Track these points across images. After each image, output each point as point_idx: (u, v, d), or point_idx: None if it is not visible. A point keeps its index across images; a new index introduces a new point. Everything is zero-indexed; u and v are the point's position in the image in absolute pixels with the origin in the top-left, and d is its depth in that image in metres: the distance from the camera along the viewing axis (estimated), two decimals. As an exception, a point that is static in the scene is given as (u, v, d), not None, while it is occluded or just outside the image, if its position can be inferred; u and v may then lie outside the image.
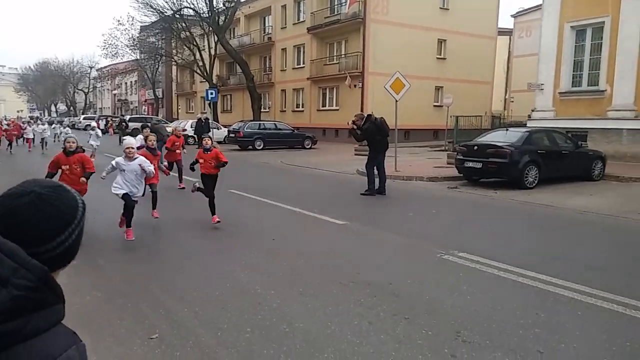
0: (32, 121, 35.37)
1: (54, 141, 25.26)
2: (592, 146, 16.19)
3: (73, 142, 6.90)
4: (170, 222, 8.28)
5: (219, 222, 7.59)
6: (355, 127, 11.29)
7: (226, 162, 7.97)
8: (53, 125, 32.80)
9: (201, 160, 8.01)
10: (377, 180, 11.13)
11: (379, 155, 11.26)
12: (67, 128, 28.19)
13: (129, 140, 7.27)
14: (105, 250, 6.41)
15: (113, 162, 6.99)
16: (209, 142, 8.00)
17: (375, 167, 11.20)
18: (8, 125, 27.86)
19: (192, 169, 8.32)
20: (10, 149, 22.72)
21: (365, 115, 11.53)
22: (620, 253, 6.62)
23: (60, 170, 6.86)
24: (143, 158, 7.02)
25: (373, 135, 11.15)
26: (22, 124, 29.25)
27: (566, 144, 13.45)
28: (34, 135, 25.51)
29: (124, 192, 6.74)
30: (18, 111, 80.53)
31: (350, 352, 3.62)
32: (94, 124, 22.47)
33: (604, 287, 4.92)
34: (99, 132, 19.86)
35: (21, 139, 25.90)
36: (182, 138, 13.02)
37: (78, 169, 6.88)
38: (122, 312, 4.40)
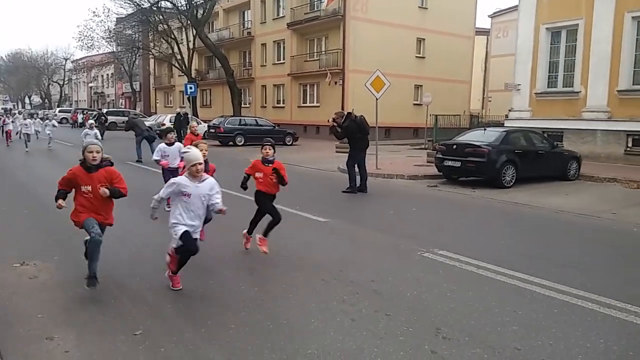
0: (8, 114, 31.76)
1: (37, 138, 23.76)
2: (567, 146, 16.59)
3: (97, 152, 4.69)
4: (149, 218, 8.21)
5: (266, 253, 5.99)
6: (335, 124, 11.34)
7: (287, 182, 6.15)
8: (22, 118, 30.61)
9: (259, 175, 6.24)
10: (358, 178, 11.22)
11: (359, 153, 11.34)
12: (54, 121, 25.28)
13: (194, 153, 4.84)
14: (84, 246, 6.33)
15: (170, 187, 4.83)
16: (270, 151, 6.12)
17: (356, 165, 11.28)
18: None
19: (245, 187, 6.53)
20: None
21: (346, 113, 11.58)
22: (595, 252, 6.82)
23: (75, 190, 4.82)
24: (213, 180, 5.07)
25: (353, 134, 11.23)
26: None
27: (542, 144, 13.75)
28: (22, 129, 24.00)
29: (185, 229, 4.65)
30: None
31: (334, 348, 3.68)
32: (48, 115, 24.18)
33: (580, 286, 5.08)
34: (55, 123, 21.69)
35: None
36: (200, 136, 10.67)
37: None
38: (106, 307, 4.38)
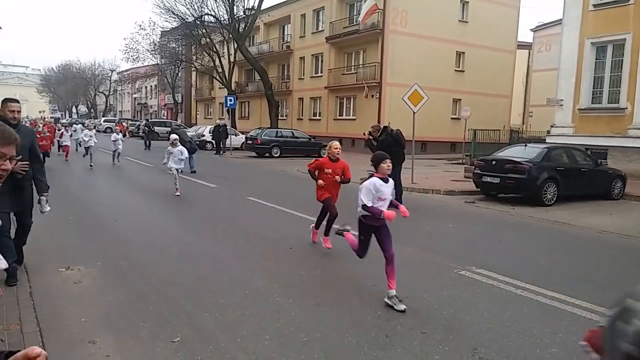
0: (67, 125, 28.18)
1: (76, 149, 23.53)
2: (612, 164, 16.03)
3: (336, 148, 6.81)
4: (190, 227, 8.41)
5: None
6: (371, 137, 11.33)
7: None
8: (74, 127, 27.56)
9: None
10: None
11: (395, 167, 11.26)
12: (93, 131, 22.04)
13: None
14: (126, 253, 6.54)
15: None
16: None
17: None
18: (42, 128, 21.66)
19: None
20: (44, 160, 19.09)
21: (382, 127, 11.56)
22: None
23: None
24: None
25: (389, 147, 11.16)
26: (57, 127, 24.80)
27: (585, 161, 13.36)
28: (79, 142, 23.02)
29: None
30: (40, 112, 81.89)
31: (368, 364, 3.67)
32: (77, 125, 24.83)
33: (623, 309, 4.89)
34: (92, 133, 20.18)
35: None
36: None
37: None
38: (145, 314, 4.50)
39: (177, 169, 11.88)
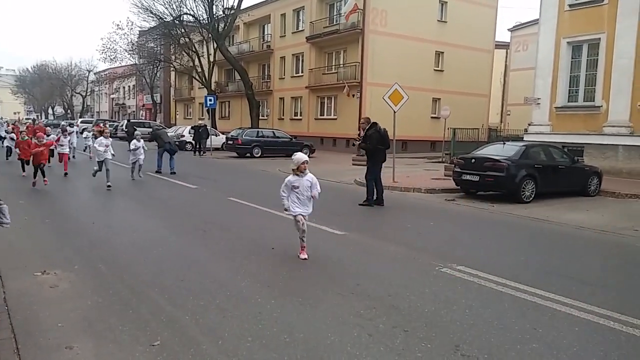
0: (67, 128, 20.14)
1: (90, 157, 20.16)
2: (588, 161, 16.34)
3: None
4: (170, 228, 8.30)
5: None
6: (358, 136, 11.21)
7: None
8: (85, 134, 24.76)
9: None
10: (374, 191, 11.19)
11: (377, 165, 11.31)
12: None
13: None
14: (105, 256, 6.43)
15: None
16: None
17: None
18: (24, 131, 18.78)
19: None
20: (36, 172, 12.83)
21: (372, 122, 11.49)
22: (617, 269, 6.70)
23: None
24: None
25: (376, 143, 11.19)
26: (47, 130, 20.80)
27: (562, 158, 13.57)
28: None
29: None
30: (15, 112, 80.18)
31: (351, 364, 3.65)
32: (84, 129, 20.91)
33: (601, 304, 4.98)
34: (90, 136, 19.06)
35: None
36: None
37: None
38: (124, 318, 4.42)
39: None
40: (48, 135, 16.82)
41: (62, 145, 17.04)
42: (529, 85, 21.16)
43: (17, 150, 15.15)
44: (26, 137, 15.09)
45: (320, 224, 8.63)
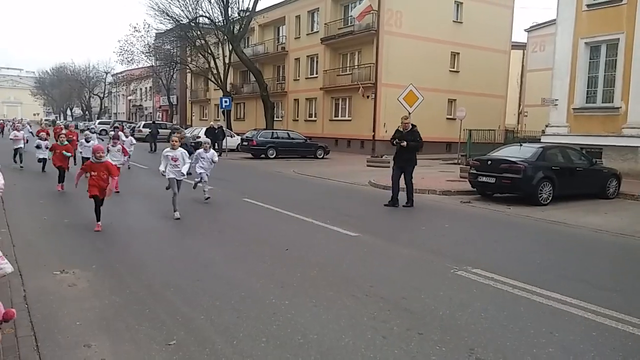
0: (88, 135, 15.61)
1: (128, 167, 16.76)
2: (607, 163, 16.09)
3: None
4: (185, 229, 8.38)
5: None
6: (399, 142, 11.08)
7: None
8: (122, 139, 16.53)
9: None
10: (397, 193, 11.25)
11: (409, 167, 11.42)
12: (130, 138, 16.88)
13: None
14: (122, 256, 6.52)
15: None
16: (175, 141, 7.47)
17: (401, 179, 11.33)
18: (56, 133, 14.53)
19: None
20: (62, 183, 12.17)
21: (412, 125, 11.38)
22: (636, 274, 6.59)
23: None
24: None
25: (412, 148, 11.27)
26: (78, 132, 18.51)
27: (580, 160, 13.40)
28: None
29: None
30: (34, 114, 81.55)
31: (365, 366, 3.66)
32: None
33: (619, 308, 4.91)
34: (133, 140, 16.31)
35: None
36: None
37: None
38: (140, 317, 4.47)
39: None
40: (88, 141, 14.41)
41: (114, 158, 12.22)
42: (546, 86, 20.93)
43: (50, 152, 13.47)
44: (66, 142, 13.00)
45: (334, 225, 8.65)
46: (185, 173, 9.41)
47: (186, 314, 4.58)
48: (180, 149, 9.44)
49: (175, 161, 9.28)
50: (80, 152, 14.72)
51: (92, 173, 7.90)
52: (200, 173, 11.53)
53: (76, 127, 30.14)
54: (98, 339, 4.03)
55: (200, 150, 11.75)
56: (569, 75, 18.73)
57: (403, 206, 11.11)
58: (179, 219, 8.98)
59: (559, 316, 4.73)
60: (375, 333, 4.23)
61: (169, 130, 28.31)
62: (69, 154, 13.01)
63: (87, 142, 14.44)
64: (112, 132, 18.25)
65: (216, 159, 11.80)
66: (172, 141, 9.56)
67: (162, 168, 9.48)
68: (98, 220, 7.98)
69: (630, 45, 16.98)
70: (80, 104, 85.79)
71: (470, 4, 31.65)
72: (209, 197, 11.25)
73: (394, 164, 11.51)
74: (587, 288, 5.62)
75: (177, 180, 9.31)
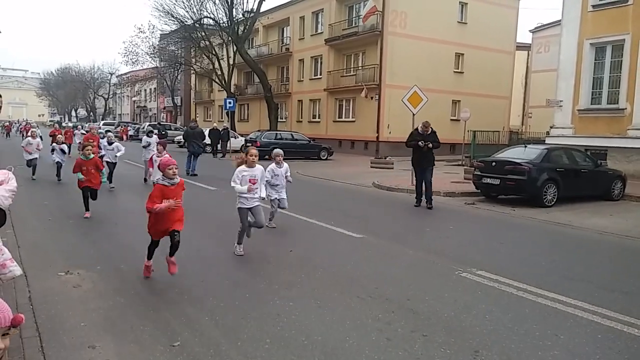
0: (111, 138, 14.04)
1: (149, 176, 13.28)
2: (612, 165, 16.03)
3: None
4: (190, 230, 8.37)
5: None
6: (425, 144, 11.48)
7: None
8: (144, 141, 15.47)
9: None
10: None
11: (429, 167, 11.74)
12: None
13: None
14: (127, 257, 6.53)
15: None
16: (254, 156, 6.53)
17: (422, 181, 11.64)
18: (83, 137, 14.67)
19: None
20: (88, 199, 9.34)
21: (432, 129, 11.82)
22: (641, 275, 6.55)
23: None
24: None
25: (430, 151, 11.53)
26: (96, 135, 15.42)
27: (585, 162, 13.35)
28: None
29: None
30: (39, 115, 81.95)
31: (369, 367, 3.65)
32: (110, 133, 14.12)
33: (625, 311, 4.88)
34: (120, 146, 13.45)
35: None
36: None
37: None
38: (145, 318, 4.48)
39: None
40: (111, 144, 13.38)
41: (110, 150, 12.93)
42: (551, 87, 20.87)
43: (80, 175, 9.19)
44: (92, 155, 9.53)
45: (338, 227, 8.64)
46: (265, 197, 7.12)
47: (190, 314, 4.59)
48: (259, 166, 6.73)
49: (254, 183, 6.61)
50: (102, 157, 12.54)
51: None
52: (281, 199, 8.66)
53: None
54: (103, 339, 4.04)
55: (272, 166, 8.66)
56: (574, 76, 18.68)
57: (427, 208, 11.30)
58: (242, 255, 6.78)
59: (564, 318, 4.71)
60: (379, 334, 4.22)
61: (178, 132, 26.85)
62: (102, 171, 9.93)
63: (110, 144, 13.28)
64: (152, 137, 15.39)
65: (289, 176, 8.92)
66: (250, 155, 6.64)
67: (239, 188, 6.56)
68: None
69: (636, 46, 16.91)
70: (84, 105, 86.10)
71: (474, 4, 31.60)
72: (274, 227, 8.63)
73: (416, 165, 11.89)
74: (592, 290, 5.59)
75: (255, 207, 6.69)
